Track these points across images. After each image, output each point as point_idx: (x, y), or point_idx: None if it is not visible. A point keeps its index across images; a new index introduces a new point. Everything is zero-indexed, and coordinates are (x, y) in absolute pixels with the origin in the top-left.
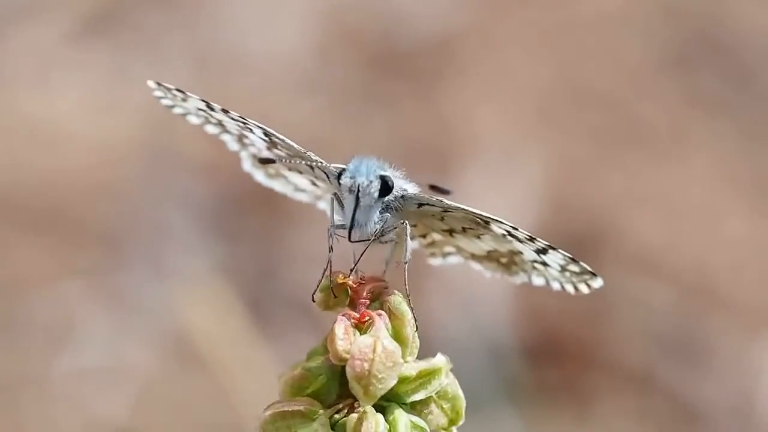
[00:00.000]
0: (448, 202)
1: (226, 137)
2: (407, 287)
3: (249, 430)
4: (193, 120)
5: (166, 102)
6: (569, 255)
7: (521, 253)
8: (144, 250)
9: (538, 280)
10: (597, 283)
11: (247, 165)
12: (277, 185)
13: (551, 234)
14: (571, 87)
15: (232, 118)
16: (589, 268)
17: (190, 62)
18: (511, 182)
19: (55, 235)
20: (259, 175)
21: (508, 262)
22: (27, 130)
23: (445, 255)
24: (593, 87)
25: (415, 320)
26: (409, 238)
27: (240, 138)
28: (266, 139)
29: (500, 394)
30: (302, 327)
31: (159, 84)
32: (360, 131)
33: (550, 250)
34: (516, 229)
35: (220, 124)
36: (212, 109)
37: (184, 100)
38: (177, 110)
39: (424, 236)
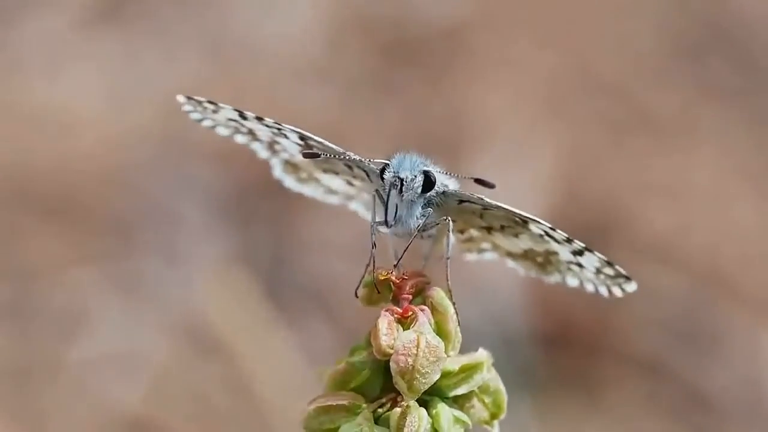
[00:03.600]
0: (489, 200)
1: (255, 145)
2: (449, 282)
3: (264, 417)
4: (222, 132)
5: (195, 116)
6: (605, 258)
7: (557, 253)
8: (157, 237)
9: (572, 281)
10: (631, 287)
11: (278, 171)
12: (308, 189)
13: (561, 222)
14: (581, 75)
15: (266, 125)
16: (623, 272)
17: (201, 50)
18: (522, 170)
19: (68, 222)
20: (290, 181)
21: (544, 262)
22: (39, 117)
23: (480, 251)
24: (603, 75)
25: (458, 315)
26: (451, 234)
27: (271, 145)
28: (301, 143)
29: (512, 381)
30: (316, 314)
31: (189, 98)
32: (371, 119)
33: (587, 252)
34: (554, 229)
35: (250, 132)
36: (245, 118)
37: (215, 111)
38: (206, 123)
39: (461, 232)
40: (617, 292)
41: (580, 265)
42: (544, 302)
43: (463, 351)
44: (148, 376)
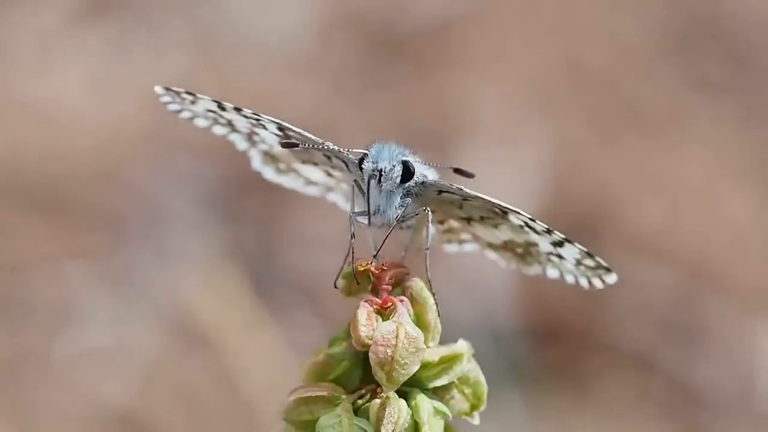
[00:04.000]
0: (468, 191)
1: (234, 137)
2: (429, 273)
3: (252, 411)
4: (201, 123)
5: (173, 107)
6: (585, 249)
7: (537, 244)
8: (146, 232)
9: (552, 273)
10: (611, 278)
11: (256, 163)
12: (287, 181)
13: (551, 216)
14: (571, 70)
15: (245, 116)
16: (604, 263)
17: (191, 44)
18: (511, 165)
19: (57, 216)
20: (269, 172)
21: (524, 253)
22: (28, 111)
23: (461, 242)
24: (593, 70)
25: (437, 306)
26: (431, 224)
27: (249, 136)
28: (280, 133)
29: (503, 375)
30: (305, 308)
31: (167, 89)
32: (361, 114)
33: (566, 244)
34: (533, 220)
35: (229, 124)
36: (223, 109)
37: (193, 102)
38: (184, 114)
39: (441, 222)
40: (597, 283)
41: (560, 257)
42: (533, 297)
43: (450, 343)
44: (136, 370)
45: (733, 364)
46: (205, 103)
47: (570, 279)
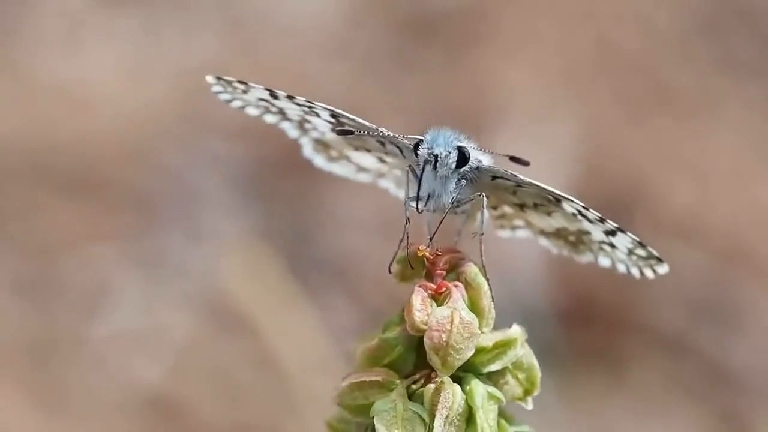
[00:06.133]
0: (522, 177)
1: (285, 125)
2: (483, 258)
3: (286, 392)
4: (252, 112)
5: (224, 96)
6: (637, 239)
7: (590, 233)
8: (179, 213)
9: (604, 261)
10: (663, 269)
11: (308, 151)
12: (338, 168)
13: (582, 198)
14: (601, 51)
15: (298, 104)
16: (655, 253)
17: (221, 26)
18: (543, 146)
19: (89, 198)
20: (320, 160)
21: (576, 241)
22: (59, 93)
23: (514, 228)
24: (624, 52)
25: (491, 291)
26: (485, 210)
27: (301, 124)
28: (333, 120)
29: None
30: (339, 290)
31: (219, 78)
32: (391, 95)
33: (619, 233)
34: (587, 209)
35: (280, 112)
36: (275, 98)
37: (245, 92)
38: (236, 103)
39: (495, 208)
40: (649, 273)
41: (612, 246)
42: (565, 279)
43: (494, 328)
44: (169, 352)
45: (765, 345)
46: (258, 92)
47: (622, 268)
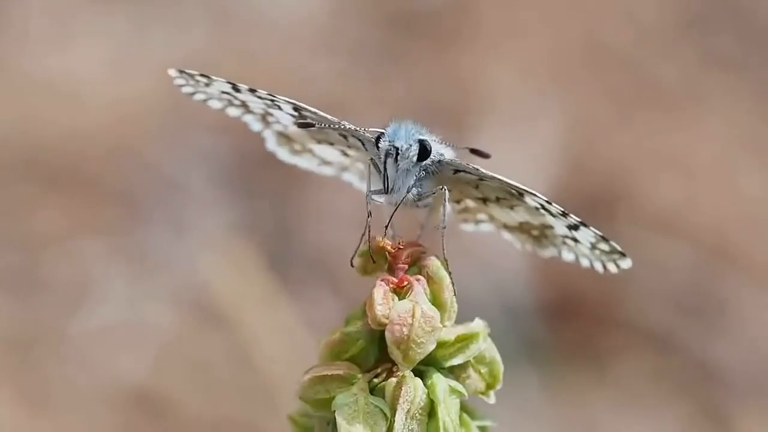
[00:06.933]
0: (484, 171)
1: (248, 118)
2: (445, 252)
3: (267, 387)
4: (215, 105)
5: (186, 90)
6: (600, 233)
7: (553, 227)
8: (163, 208)
9: (567, 256)
10: (626, 263)
11: (271, 144)
12: (302, 161)
13: (567, 194)
14: (587, 47)
15: (260, 97)
16: (618, 248)
17: (208, 20)
18: (527, 142)
19: (74, 192)
20: (283, 153)
21: (539, 235)
22: (47, 88)
23: (477, 222)
24: (609, 47)
25: (453, 285)
26: (447, 203)
27: (264, 117)
28: (295, 113)
29: (518, 353)
30: (320, 284)
31: (181, 71)
32: (376, 90)
33: (582, 227)
34: (549, 203)
35: (243, 105)
36: (238, 91)
37: (207, 85)
38: (198, 96)
39: (458, 202)
40: (612, 268)
41: (575, 240)
42: (549, 274)
43: (465, 322)
44: (152, 347)
45: (750, 341)
46: (220, 85)
47: (585, 263)
